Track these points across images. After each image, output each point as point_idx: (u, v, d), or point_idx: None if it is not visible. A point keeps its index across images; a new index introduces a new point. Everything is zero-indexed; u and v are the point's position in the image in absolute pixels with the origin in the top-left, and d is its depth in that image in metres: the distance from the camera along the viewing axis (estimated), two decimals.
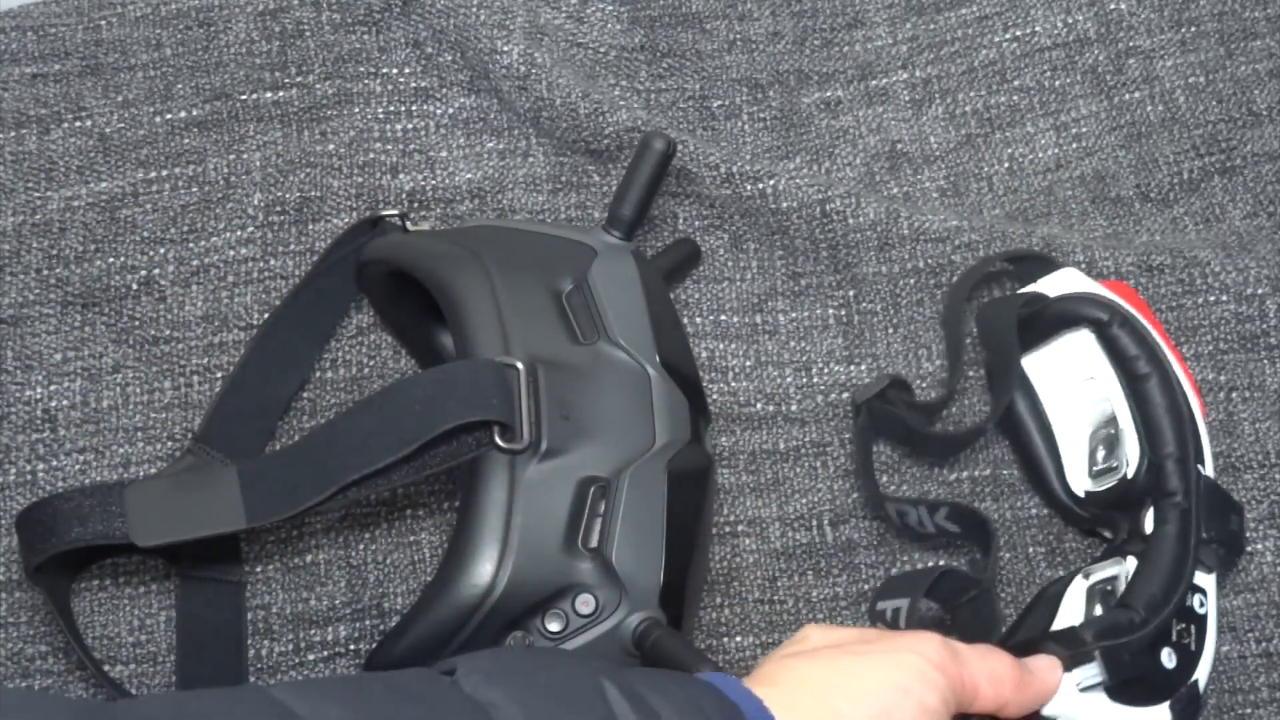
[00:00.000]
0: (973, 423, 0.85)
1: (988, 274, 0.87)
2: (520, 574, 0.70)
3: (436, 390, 0.73)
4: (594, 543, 0.72)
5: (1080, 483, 0.82)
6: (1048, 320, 0.83)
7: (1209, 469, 0.80)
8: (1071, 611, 0.77)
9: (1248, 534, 0.83)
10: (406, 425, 0.73)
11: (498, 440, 0.72)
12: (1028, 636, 0.75)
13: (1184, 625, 0.76)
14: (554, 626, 0.71)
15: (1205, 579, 0.77)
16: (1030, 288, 0.85)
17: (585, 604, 0.71)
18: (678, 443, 0.76)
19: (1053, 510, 0.84)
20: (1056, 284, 0.84)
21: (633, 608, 0.72)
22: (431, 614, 0.71)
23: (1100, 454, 0.82)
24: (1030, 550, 0.84)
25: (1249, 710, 0.80)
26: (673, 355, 0.79)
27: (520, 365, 0.73)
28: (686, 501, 0.75)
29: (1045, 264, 0.86)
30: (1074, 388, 0.83)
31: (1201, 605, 0.77)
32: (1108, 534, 0.82)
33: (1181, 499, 0.78)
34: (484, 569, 0.70)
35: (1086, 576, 0.78)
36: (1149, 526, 0.78)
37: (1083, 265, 0.87)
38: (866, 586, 0.82)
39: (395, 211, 0.86)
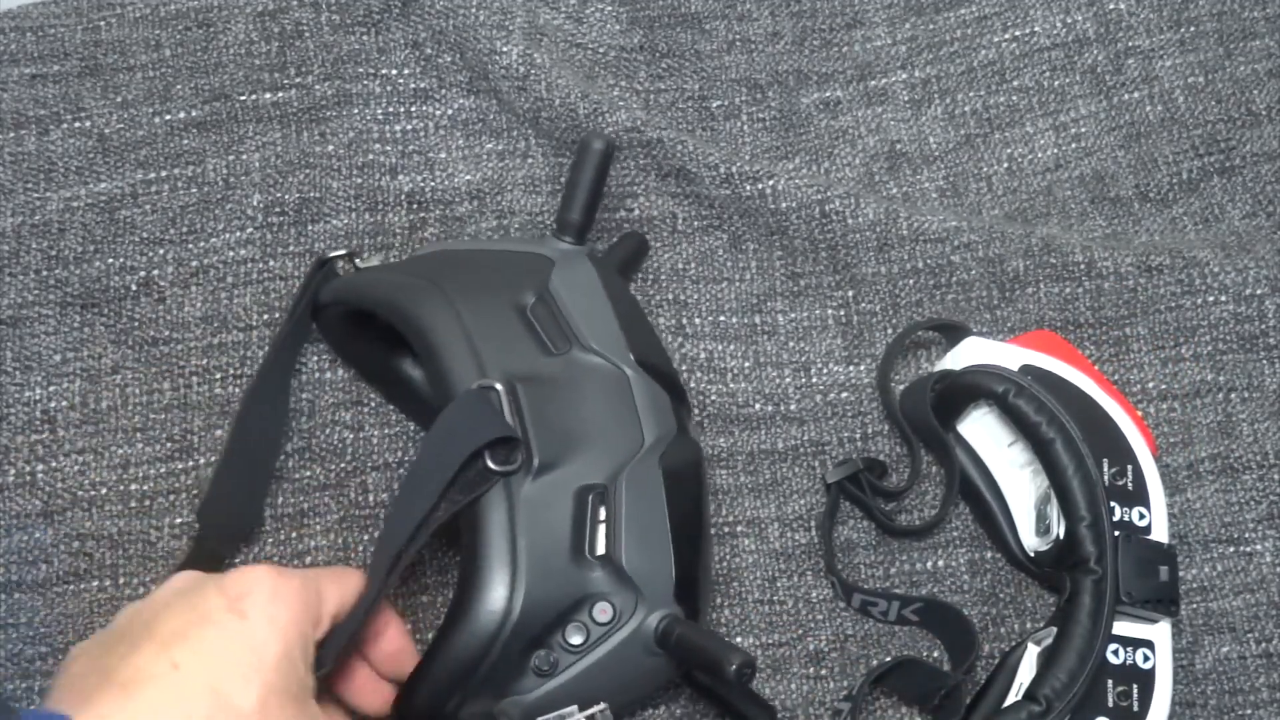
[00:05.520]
0: (934, 504, 0.84)
1: (914, 341, 0.87)
2: (534, 593, 0.70)
3: (442, 440, 0.72)
4: (601, 549, 0.72)
5: (1030, 541, 0.81)
6: (958, 396, 0.82)
7: (1156, 513, 0.78)
8: (1027, 679, 0.76)
9: (1247, 534, 0.83)
10: (431, 481, 0.72)
11: (490, 464, 0.72)
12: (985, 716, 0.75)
13: (1124, 687, 0.75)
14: (576, 639, 0.71)
15: (1151, 630, 0.77)
16: (945, 359, 0.84)
17: (603, 612, 0.71)
18: (666, 437, 0.76)
19: (1015, 568, 0.83)
20: (962, 355, 0.83)
21: (650, 607, 0.72)
22: (453, 647, 0.70)
23: (1044, 510, 0.81)
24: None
25: (1249, 711, 0.80)
26: (645, 351, 0.79)
27: (499, 386, 0.73)
28: (684, 493, 0.75)
29: (959, 332, 0.85)
30: (1009, 449, 0.82)
31: (1147, 660, 0.76)
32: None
33: (1094, 565, 0.76)
34: (497, 594, 0.70)
35: (1038, 643, 0.77)
36: None
37: (1082, 265, 0.87)
38: (866, 586, 0.82)
39: (342, 251, 0.84)
